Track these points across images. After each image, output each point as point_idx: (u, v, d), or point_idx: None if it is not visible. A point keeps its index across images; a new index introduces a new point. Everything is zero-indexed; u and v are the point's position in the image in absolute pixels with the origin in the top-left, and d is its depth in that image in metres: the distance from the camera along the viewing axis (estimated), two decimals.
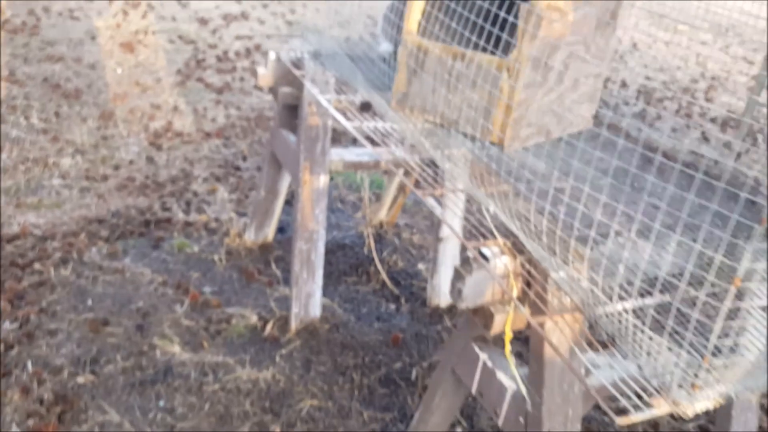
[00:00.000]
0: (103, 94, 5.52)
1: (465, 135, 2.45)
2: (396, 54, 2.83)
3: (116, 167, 4.50)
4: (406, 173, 3.57)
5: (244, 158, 4.91)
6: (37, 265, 3.36)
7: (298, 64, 3.15)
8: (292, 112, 3.32)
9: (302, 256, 3.09)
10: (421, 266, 3.78)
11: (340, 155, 3.31)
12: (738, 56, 9.78)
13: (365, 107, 2.68)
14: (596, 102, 2.75)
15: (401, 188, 3.99)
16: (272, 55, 3.22)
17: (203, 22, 7.49)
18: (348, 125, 2.52)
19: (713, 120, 7.35)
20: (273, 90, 3.35)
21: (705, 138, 6.79)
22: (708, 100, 8.23)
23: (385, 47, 3.33)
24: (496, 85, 2.30)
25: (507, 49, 2.31)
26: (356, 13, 8.76)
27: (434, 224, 3.45)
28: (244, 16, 7.94)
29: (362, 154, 3.36)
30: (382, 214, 4.12)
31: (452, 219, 3.11)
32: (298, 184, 3.14)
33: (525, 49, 2.24)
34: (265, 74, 3.24)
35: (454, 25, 2.49)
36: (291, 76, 3.16)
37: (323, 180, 3.14)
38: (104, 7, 7.46)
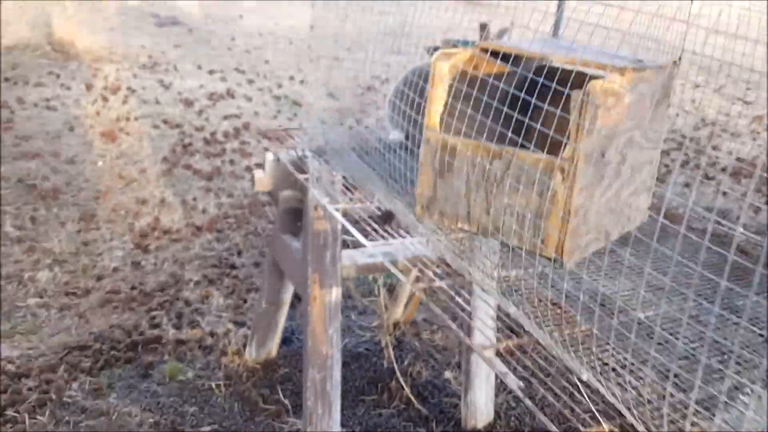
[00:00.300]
0: (84, 191, 5.11)
1: (508, 247, 2.04)
2: (408, 145, 2.44)
3: (99, 278, 4.06)
4: (418, 278, 3.14)
5: (239, 253, 4.49)
6: (9, 412, 2.90)
7: (299, 164, 2.74)
8: (293, 215, 2.91)
9: (315, 387, 2.64)
10: (448, 374, 3.33)
11: (351, 258, 2.88)
12: (733, 97, 9.47)
13: (387, 218, 2.26)
14: (651, 191, 2.36)
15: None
16: (270, 156, 2.82)
17: (188, 103, 7.14)
18: (369, 245, 2.10)
19: (724, 170, 7.00)
20: (272, 194, 2.94)
21: (722, 192, 6.43)
22: (714, 148, 7.89)
23: (395, 136, 2.94)
24: (546, 189, 1.89)
25: (530, 135, 1.92)
26: (344, 84, 8.34)
27: (460, 323, 3.01)
28: (230, 93, 7.60)
29: (376, 254, 2.94)
30: (398, 312, 3.68)
31: (483, 328, 2.67)
32: (306, 300, 2.71)
33: (581, 145, 1.84)
34: (263, 178, 2.83)
35: (480, 117, 2.09)
36: (293, 177, 2.75)
37: (335, 294, 2.71)
38: (82, 93, 7.11)
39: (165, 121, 6.59)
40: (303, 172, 2.71)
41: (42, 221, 4.64)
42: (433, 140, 2.13)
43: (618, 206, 2.15)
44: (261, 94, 7.79)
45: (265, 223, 4.93)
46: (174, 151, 5.96)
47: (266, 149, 2.85)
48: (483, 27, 3.10)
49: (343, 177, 2.69)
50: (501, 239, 2.02)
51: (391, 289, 3.86)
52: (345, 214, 2.55)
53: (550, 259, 1.93)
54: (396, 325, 3.64)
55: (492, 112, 2.05)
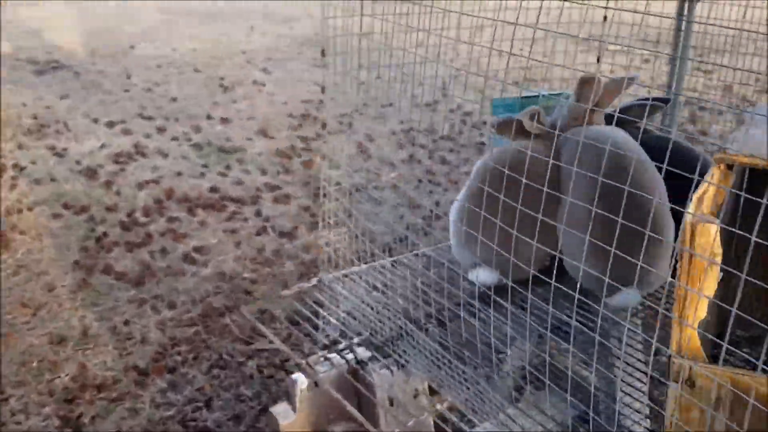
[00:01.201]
0: None
1: None
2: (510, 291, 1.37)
3: None
4: None
5: (208, 403, 3.29)
6: None
7: (354, 380, 1.58)
8: None
9: None
10: None
11: None
12: None
13: None
14: None
15: None
16: (301, 382, 1.63)
17: (90, 173, 5.81)
18: None
19: None
20: None
21: None
22: None
23: (486, 278, 1.81)
24: None
25: None
26: (275, 115, 6.82)
27: None
28: (140, 151, 6.29)
29: None
30: None
31: None
32: None
33: None
34: (294, 421, 1.63)
35: None
36: (340, 405, 1.59)
37: None
38: None
39: (67, 206, 5.25)
40: (364, 396, 1.55)
41: None
42: (702, 382, 1.02)
43: None
44: (177, 144, 6.50)
45: (229, 342, 3.73)
46: (86, 250, 4.66)
47: (291, 372, 1.67)
48: (586, 82, 2.00)
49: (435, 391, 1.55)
50: None
51: None
52: None
53: None
54: None
55: None
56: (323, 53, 1.73)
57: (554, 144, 1.98)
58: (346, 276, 1.92)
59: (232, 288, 4.25)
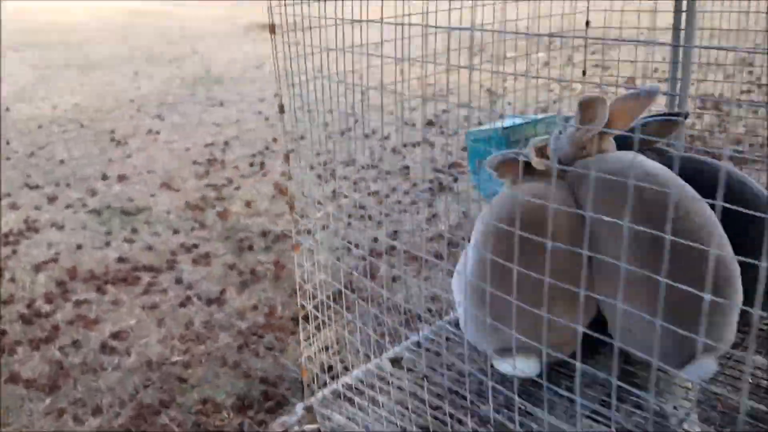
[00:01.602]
0: None
1: None
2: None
3: None
4: None
5: None
6: None
7: None
8: None
9: None
10: None
11: None
12: None
13: None
14: None
15: None
16: None
17: None
18: None
19: None
20: None
21: None
22: None
23: (526, 366, 1.39)
24: None
25: None
26: (176, 163, 6.29)
27: None
28: (31, 226, 5.61)
29: None
30: None
31: None
32: None
33: None
34: None
35: None
36: None
37: None
38: None
39: None
40: None
41: None
42: None
43: None
44: (73, 212, 5.86)
45: None
46: None
47: None
48: (589, 104, 1.61)
49: None
50: None
51: None
52: None
53: None
54: None
55: None
56: (281, 109, 1.31)
57: (568, 182, 1.57)
58: (339, 396, 1.45)
59: (163, 377, 3.69)
